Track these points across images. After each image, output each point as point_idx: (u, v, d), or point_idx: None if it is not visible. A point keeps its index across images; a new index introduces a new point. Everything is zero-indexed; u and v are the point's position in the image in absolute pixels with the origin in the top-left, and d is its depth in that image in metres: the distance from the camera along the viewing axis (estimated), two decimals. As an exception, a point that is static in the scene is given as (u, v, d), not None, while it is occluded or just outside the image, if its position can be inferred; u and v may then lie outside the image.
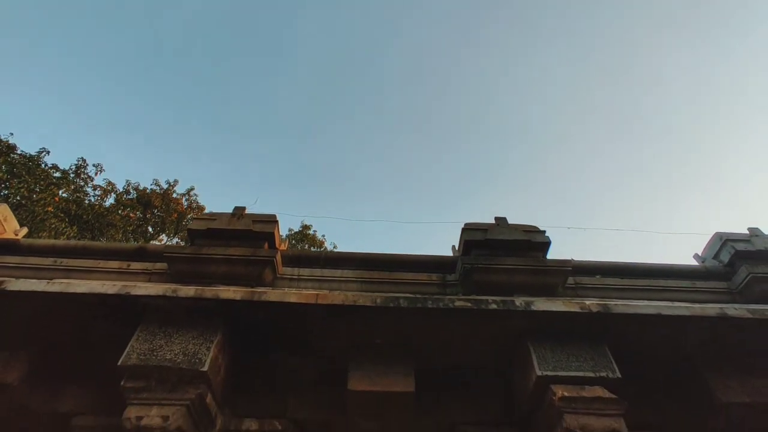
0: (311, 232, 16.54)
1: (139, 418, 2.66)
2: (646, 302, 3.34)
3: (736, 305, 3.48)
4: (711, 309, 3.23)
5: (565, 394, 2.74)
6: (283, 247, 4.09)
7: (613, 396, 2.78)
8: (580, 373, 2.85)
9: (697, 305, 3.38)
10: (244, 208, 4.05)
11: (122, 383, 2.78)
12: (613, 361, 2.95)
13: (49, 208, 12.35)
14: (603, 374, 2.87)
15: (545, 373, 2.82)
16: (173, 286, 3.12)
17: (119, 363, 2.80)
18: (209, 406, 2.84)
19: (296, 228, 16.46)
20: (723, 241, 4.44)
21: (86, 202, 13.70)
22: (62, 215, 12.32)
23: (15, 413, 3.30)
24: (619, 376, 2.88)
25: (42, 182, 12.30)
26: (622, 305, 3.12)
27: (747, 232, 4.48)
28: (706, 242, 4.64)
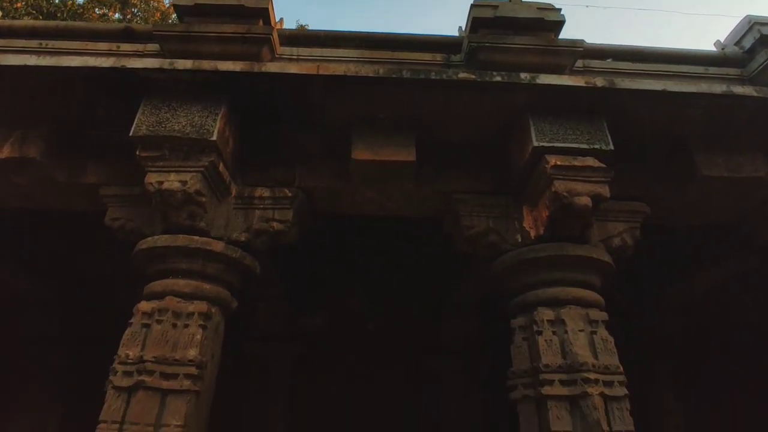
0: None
1: (160, 183, 2.88)
2: (653, 81, 3.28)
3: (745, 86, 3.44)
4: (717, 87, 3.20)
5: (558, 162, 2.90)
6: (279, 26, 3.84)
7: (603, 165, 2.96)
8: (575, 145, 2.96)
9: (703, 84, 3.33)
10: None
11: (138, 153, 2.93)
12: (609, 136, 3.05)
13: (18, 5, 11.28)
14: (597, 146, 2.99)
15: (541, 144, 2.93)
16: (169, 59, 3.03)
17: (131, 134, 2.90)
18: (222, 174, 3.04)
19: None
20: (750, 24, 4.12)
21: (57, -1, 12.43)
22: (34, 12, 11.31)
23: (43, 187, 3.56)
24: (612, 148, 3.00)
25: (6, -26, 10.96)
26: (628, 81, 3.07)
27: (780, 17, 4.13)
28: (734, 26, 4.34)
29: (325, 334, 5.96)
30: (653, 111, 3.18)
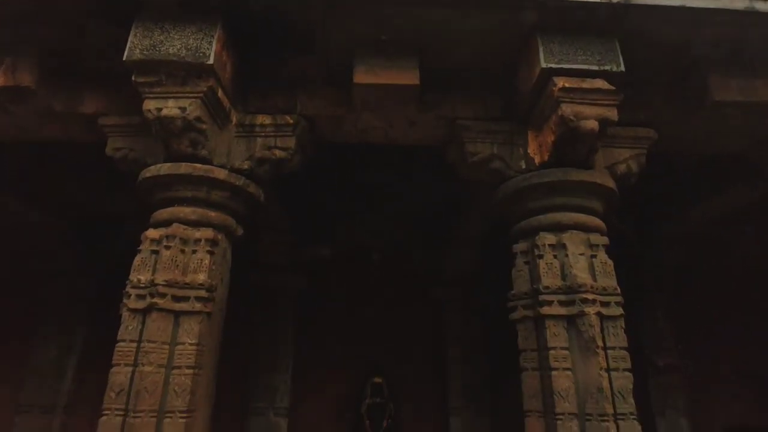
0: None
1: (159, 110, 2.82)
2: None
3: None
4: (739, 2, 3.03)
5: (566, 84, 2.81)
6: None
7: (612, 87, 2.86)
8: (584, 66, 2.85)
9: (725, -1, 3.15)
10: None
11: (134, 79, 2.85)
12: (621, 56, 2.93)
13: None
14: (607, 68, 2.88)
15: (549, 65, 2.82)
16: (158, -24, 2.86)
17: (124, 58, 2.80)
18: (222, 101, 2.98)
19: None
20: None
21: None
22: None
23: (41, 117, 3.50)
24: (623, 70, 2.89)
25: None
26: (645, -3, 2.90)
27: None
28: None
29: (330, 265, 6.11)
30: (668, 30, 3.03)
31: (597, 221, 3.08)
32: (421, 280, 6.16)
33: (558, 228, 2.98)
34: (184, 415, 2.57)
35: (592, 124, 2.82)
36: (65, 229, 5.63)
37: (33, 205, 5.05)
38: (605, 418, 2.56)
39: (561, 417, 2.62)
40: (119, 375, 2.61)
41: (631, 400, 2.66)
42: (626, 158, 3.31)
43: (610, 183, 3.13)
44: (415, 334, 6.04)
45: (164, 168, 2.98)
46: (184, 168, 2.95)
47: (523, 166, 3.19)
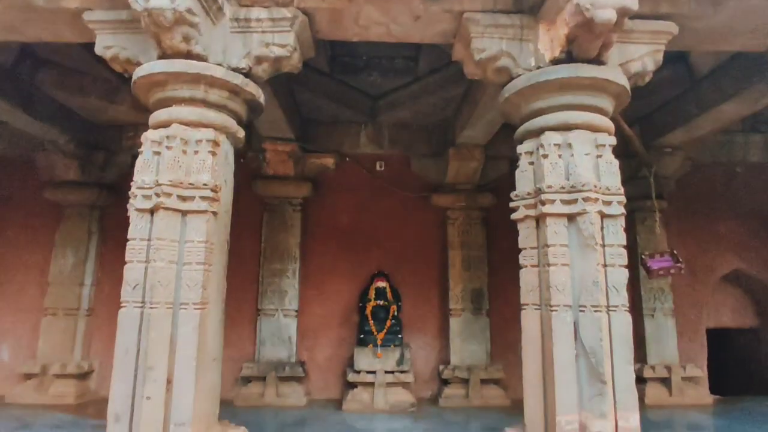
0: None
1: (146, 0, 2.65)
2: None
3: None
4: None
5: (584, -33, 2.59)
6: None
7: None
8: (607, -55, 2.61)
9: None
10: None
11: (116, -34, 2.65)
12: (646, -65, 2.67)
13: None
14: (630, -52, 2.63)
15: (567, -55, 2.59)
16: None
17: (104, -60, 2.59)
18: (213, -10, 2.79)
19: None
20: None
21: None
22: None
23: (24, 14, 3.29)
24: (648, -49, 2.66)
25: None
26: None
27: None
28: None
29: (334, 174, 6.12)
30: None
31: (606, 121, 3.01)
32: (425, 188, 6.19)
33: (565, 127, 2.92)
34: (198, 306, 2.71)
35: (609, 14, 2.63)
36: (69, 141, 5.58)
37: (32, 115, 4.96)
38: (598, 308, 2.69)
39: (556, 308, 2.75)
40: (133, 271, 2.73)
41: (624, 293, 2.78)
42: (642, 55, 3.14)
43: (623, 80, 3.01)
44: (417, 241, 6.19)
45: (158, 65, 2.87)
46: (178, 65, 2.84)
47: (533, 64, 3.05)
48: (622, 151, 3.02)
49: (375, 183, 6.22)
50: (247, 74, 3.05)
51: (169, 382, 2.63)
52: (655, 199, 5.31)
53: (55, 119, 5.29)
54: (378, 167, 6.22)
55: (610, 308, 2.75)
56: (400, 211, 6.21)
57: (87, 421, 4.65)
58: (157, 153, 2.84)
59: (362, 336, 5.50)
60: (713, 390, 6.13)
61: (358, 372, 5.30)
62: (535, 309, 2.93)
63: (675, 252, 4.94)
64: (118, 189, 5.99)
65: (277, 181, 5.88)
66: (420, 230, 6.21)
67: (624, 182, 2.94)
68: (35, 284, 6.01)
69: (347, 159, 6.13)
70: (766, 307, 6.47)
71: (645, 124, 5.87)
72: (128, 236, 2.79)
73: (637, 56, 3.14)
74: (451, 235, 5.94)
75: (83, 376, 5.68)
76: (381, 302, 5.57)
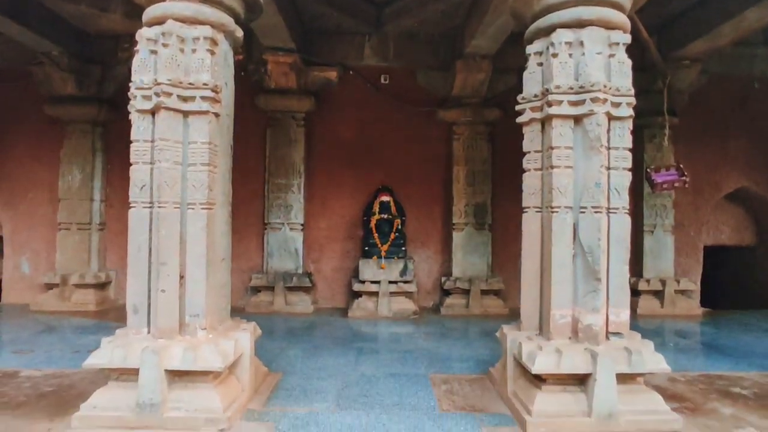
0: None
1: None
2: None
3: None
4: None
5: None
6: None
7: None
8: None
9: None
10: None
11: None
12: None
13: None
14: None
15: None
16: None
17: None
18: None
19: None
20: None
21: None
22: None
23: None
24: None
25: None
26: None
27: None
28: None
29: (338, 87, 5.97)
30: None
31: (621, 17, 2.84)
32: (431, 102, 6.04)
33: (578, 24, 2.76)
34: (205, 206, 2.77)
35: None
36: (63, 53, 5.42)
37: (24, 24, 4.79)
38: (599, 209, 2.72)
39: (557, 210, 2.78)
40: (139, 172, 2.75)
41: (626, 196, 2.80)
42: (666, -57, 2.91)
43: (644, -30, 2.81)
44: (422, 157, 6.17)
45: (147, -46, 2.69)
46: (168, -47, 2.66)
47: (547, -47, 2.83)
48: (636, 64, 2.86)
49: (379, 97, 6.08)
50: (243, -34, 2.87)
51: (181, 277, 2.75)
52: (667, 114, 5.17)
53: (46, 28, 5.11)
54: (383, 80, 6.04)
55: (611, 210, 2.78)
56: (405, 126, 6.12)
57: (108, 324, 4.94)
58: (154, 52, 2.74)
59: (366, 248, 5.67)
60: (706, 304, 6.37)
61: (363, 282, 5.52)
62: (536, 212, 2.96)
63: (681, 165, 4.90)
64: (119, 104, 5.89)
65: (280, 94, 5.76)
66: (425, 145, 6.16)
67: (635, 96, 2.83)
68: (46, 201, 6.14)
69: (351, 72, 5.94)
70: (766, 225, 6.53)
71: (664, 34, 5.58)
72: (131, 138, 2.78)
73: (662, -55, 2.91)
74: (456, 150, 5.90)
75: (102, 286, 5.97)
76: (385, 216, 5.66)
